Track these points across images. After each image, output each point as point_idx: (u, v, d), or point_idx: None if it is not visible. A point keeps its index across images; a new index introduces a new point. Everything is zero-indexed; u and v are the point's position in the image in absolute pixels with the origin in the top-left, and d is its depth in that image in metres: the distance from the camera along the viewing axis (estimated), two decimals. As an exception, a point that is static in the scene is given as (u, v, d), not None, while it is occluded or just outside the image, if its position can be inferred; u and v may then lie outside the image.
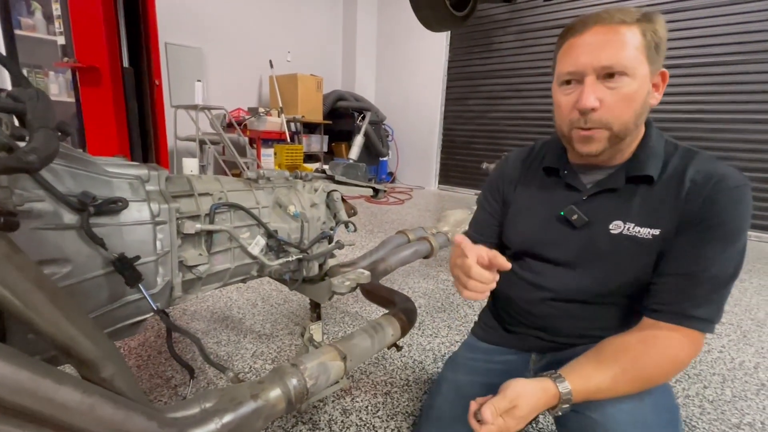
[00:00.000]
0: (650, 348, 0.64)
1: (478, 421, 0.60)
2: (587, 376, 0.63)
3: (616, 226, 0.71)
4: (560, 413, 0.63)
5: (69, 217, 0.54)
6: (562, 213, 0.76)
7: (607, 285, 0.73)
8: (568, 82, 0.67)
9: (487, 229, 0.91)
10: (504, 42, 4.72)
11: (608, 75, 0.63)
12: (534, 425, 1.06)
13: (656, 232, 0.67)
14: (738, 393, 1.25)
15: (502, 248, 0.91)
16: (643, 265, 0.69)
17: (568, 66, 0.66)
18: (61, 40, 2.48)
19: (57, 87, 3.23)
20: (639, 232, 0.69)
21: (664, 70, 0.67)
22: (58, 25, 2.46)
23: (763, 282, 2.31)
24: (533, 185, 0.83)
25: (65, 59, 2.45)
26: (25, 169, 0.39)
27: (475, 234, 0.93)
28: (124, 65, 2.54)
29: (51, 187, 0.52)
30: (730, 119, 3.41)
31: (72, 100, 2.80)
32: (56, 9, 2.41)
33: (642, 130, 0.71)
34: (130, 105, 2.54)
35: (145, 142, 2.72)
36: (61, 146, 0.59)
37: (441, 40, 5.17)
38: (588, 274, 0.74)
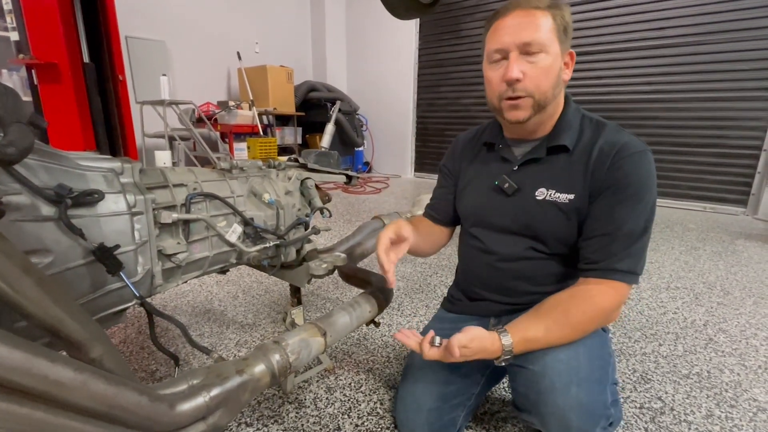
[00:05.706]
0: (578, 300, 0.74)
1: (435, 345, 0.73)
2: (525, 329, 0.72)
3: (541, 193, 0.81)
4: (504, 363, 0.73)
5: (47, 209, 0.56)
6: (496, 183, 0.86)
7: (542, 243, 0.83)
8: (496, 60, 0.77)
9: (443, 201, 1.03)
10: (472, 29, 4.78)
11: (528, 52, 0.73)
12: (496, 393, 1.14)
13: (571, 196, 0.77)
14: (689, 348, 1.37)
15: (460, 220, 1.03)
16: (566, 226, 0.79)
17: (496, 44, 0.76)
18: (14, 36, 2.37)
19: (11, 86, 3.08)
20: (559, 197, 0.78)
21: (571, 50, 0.78)
22: (10, 20, 2.34)
23: (715, 249, 2.49)
24: (477, 161, 0.94)
25: (21, 56, 2.34)
26: (5, 161, 0.41)
27: (435, 205, 1.05)
28: (85, 61, 2.45)
29: (26, 181, 0.53)
30: (686, 98, 3.60)
31: (29, 99, 2.68)
32: (7, 3, 2.29)
33: (561, 105, 0.81)
34: (93, 102, 2.46)
35: (111, 139, 2.64)
36: (33, 141, 0.60)
37: (411, 28, 5.18)
38: (523, 235, 0.84)
